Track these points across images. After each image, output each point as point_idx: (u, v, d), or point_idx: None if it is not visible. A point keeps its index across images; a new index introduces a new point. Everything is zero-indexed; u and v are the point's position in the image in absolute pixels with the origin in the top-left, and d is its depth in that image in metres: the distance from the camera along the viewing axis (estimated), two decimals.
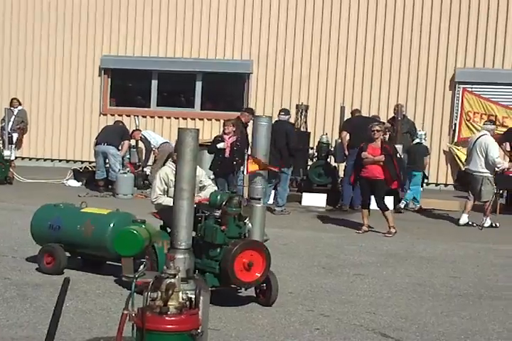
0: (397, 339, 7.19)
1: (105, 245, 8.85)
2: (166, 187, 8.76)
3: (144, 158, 18.51)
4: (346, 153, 16.04)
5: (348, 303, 8.37)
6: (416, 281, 9.73)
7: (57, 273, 8.98)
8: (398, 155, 14.38)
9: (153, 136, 18.46)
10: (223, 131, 14.72)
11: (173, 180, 8.45)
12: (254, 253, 7.92)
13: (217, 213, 8.08)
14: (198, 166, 9.05)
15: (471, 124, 19.96)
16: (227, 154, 14.41)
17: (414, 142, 16.97)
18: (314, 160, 17.43)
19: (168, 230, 8.04)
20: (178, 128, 4.88)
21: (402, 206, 16.27)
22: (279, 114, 16.08)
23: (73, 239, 9.15)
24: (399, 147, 16.51)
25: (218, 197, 8.07)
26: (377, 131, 13.31)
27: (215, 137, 15.28)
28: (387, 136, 16.15)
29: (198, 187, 8.69)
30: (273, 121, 16.24)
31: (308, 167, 17.30)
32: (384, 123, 14.96)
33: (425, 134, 17.46)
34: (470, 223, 14.63)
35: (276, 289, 8.15)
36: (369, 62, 20.39)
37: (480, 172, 14.47)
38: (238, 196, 8.09)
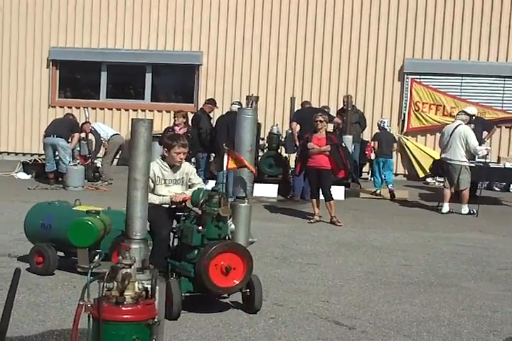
0: (351, 326, 7.26)
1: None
2: (151, 184, 8.03)
3: (94, 150, 18.38)
4: (297, 143, 16.13)
5: (301, 292, 8.42)
6: (368, 270, 9.83)
7: (47, 273, 8.67)
8: (344, 145, 14.53)
9: (103, 128, 18.30)
10: (174, 122, 14.70)
11: (161, 177, 8.17)
12: (235, 257, 7.32)
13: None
14: (188, 163, 8.57)
15: (420, 114, 20.19)
16: None
17: (379, 130, 17.38)
18: (265, 151, 17.49)
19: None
20: (132, 119, 4.87)
21: (378, 192, 17.02)
22: (232, 104, 16.19)
23: (65, 238, 8.54)
24: (349, 137, 16.70)
25: (200, 195, 7.54)
26: (321, 121, 13.43)
27: (166, 128, 15.26)
28: (340, 122, 16.44)
29: (186, 185, 8.34)
30: (224, 112, 16.56)
31: (259, 158, 17.36)
32: (327, 113, 15.06)
33: (388, 121, 17.82)
34: (452, 211, 14.95)
35: (260, 296, 7.54)
36: (319, 53, 20.48)
37: (459, 161, 14.86)
38: (219, 194, 7.41)
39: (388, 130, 17.57)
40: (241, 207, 7.71)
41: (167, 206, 8.09)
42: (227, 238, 7.49)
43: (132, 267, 4.05)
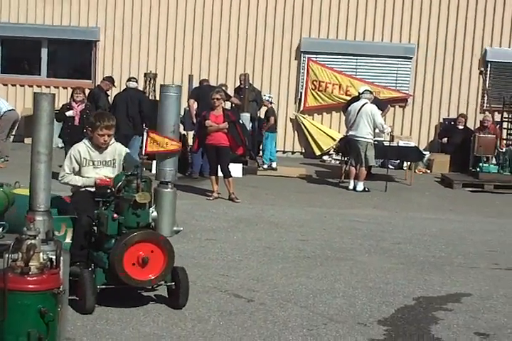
0: (249, 299, 7.42)
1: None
2: (76, 166, 7.48)
3: None
4: (194, 121, 16.19)
5: (200, 267, 8.54)
6: (266, 245, 10.01)
7: None
8: (241, 122, 14.68)
9: None
10: (72, 98, 14.53)
11: (88, 158, 7.50)
12: (154, 247, 6.73)
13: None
14: (119, 144, 7.76)
15: (317, 93, 20.48)
16: (76, 122, 14.29)
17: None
18: None
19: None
20: (34, 93, 4.89)
21: (266, 166, 17.60)
22: (129, 80, 16.10)
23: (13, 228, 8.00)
24: (246, 115, 16.86)
25: (122, 179, 6.86)
26: (218, 99, 13.52)
27: (63, 105, 15.08)
28: (239, 103, 16.64)
29: (120, 168, 7.56)
30: (121, 90, 16.48)
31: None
32: (223, 90, 15.19)
33: (270, 97, 18.23)
34: (367, 189, 15.33)
35: (186, 289, 7.00)
36: (216, 30, 20.52)
37: (365, 138, 15.30)
38: (138, 178, 6.74)
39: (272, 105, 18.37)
40: (164, 192, 7.23)
41: (92, 190, 7.43)
42: (149, 226, 6.94)
43: (37, 238, 4.10)
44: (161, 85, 7.42)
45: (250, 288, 7.84)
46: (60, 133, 14.48)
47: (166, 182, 7.26)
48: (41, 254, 4.13)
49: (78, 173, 7.55)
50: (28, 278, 4.05)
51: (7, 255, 4.06)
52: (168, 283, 6.99)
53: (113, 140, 7.69)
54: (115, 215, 6.72)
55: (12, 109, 17.46)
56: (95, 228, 7.02)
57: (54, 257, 4.23)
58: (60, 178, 7.55)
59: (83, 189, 7.48)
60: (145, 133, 6.90)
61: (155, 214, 6.91)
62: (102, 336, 6.12)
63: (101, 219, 6.86)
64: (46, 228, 4.73)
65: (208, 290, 7.61)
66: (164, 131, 7.17)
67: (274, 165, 17.86)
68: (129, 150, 7.87)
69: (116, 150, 7.67)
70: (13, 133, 18.09)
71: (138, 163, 7.13)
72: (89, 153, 7.56)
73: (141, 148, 15.30)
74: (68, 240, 7.06)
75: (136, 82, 16.35)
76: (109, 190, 7.05)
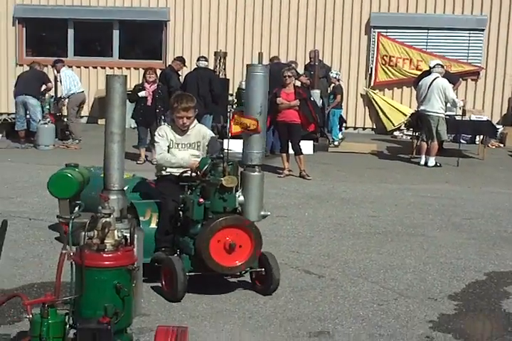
0: (320, 275, 7.51)
1: None
2: (166, 147, 7.38)
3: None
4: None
5: (272, 244, 8.61)
6: (337, 221, 10.08)
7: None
8: (312, 99, 14.70)
9: (68, 81, 17.73)
10: (144, 79, 14.71)
11: (174, 140, 7.37)
12: (241, 232, 6.56)
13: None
14: (204, 126, 7.70)
15: (387, 68, 20.37)
16: (149, 102, 14.48)
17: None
18: (234, 106, 17.61)
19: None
20: (106, 75, 5.02)
21: (337, 143, 17.68)
22: (199, 60, 16.22)
23: (89, 208, 7.87)
24: (317, 92, 16.87)
25: (208, 162, 6.68)
26: (289, 76, 13.56)
27: (136, 85, 15.29)
28: (308, 82, 16.58)
29: (204, 151, 7.45)
30: (192, 69, 16.64)
31: (229, 113, 17.51)
32: (294, 68, 15.19)
33: (338, 73, 18.13)
34: (438, 164, 15.29)
35: (277, 274, 6.79)
36: (285, 8, 20.53)
37: (437, 112, 15.23)
38: (225, 162, 6.58)
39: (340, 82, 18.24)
40: (251, 176, 6.83)
41: (177, 174, 7.25)
42: (236, 211, 6.75)
43: (111, 216, 4.24)
44: (247, 65, 7.14)
45: (321, 264, 7.93)
46: (133, 113, 14.68)
47: (253, 166, 6.84)
48: (116, 232, 4.27)
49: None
50: (104, 255, 4.20)
51: (83, 233, 4.22)
52: (258, 269, 6.82)
53: (195, 122, 7.52)
54: (201, 200, 6.56)
55: (81, 91, 17.64)
56: (181, 213, 6.87)
57: (128, 235, 4.38)
58: (157, 157, 7.41)
59: (168, 173, 7.36)
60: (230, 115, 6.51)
61: (242, 198, 6.72)
62: (176, 312, 6.27)
63: (186, 204, 6.69)
64: (120, 206, 4.87)
65: (279, 267, 7.71)
66: (251, 112, 6.75)
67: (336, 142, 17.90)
68: (213, 134, 7.71)
69: (201, 132, 7.51)
70: (81, 114, 18.37)
71: (220, 148, 7.04)
72: (174, 135, 7.41)
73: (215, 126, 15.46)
74: (153, 225, 7.02)
75: (207, 60, 16.48)
76: (193, 174, 6.93)
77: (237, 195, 6.67)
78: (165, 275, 6.64)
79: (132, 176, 8.06)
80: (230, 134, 6.72)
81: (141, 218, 7.04)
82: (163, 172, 7.40)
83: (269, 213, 7.15)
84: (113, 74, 4.96)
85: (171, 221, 6.94)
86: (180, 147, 7.42)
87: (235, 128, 6.75)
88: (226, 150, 6.64)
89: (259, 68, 6.89)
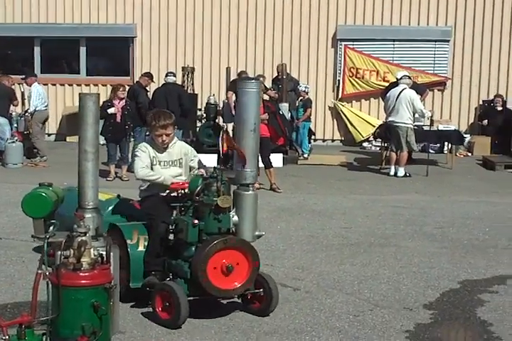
0: (295, 288, 7.53)
1: None
2: (148, 162, 7.09)
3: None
4: (233, 113, 16.32)
5: None
6: (309, 233, 10.11)
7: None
8: (281, 112, 14.77)
9: (37, 97, 17.15)
10: (115, 95, 14.64)
11: (156, 157, 7.08)
12: (237, 254, 6.39)
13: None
14: (184, 143, 7.42)
15: (355, 80, 20.49)
16: (118, 119, 14.47)
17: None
18: (203, 121, 17.64)
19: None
20: (79, 94, 5.03)
21: (306, 156, 17.71)
22: (167, 75, 16.26)
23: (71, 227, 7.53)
24: (285, 105, 16.95)
25: (199, 182, 6.48)
26: None
27: (104, 102, 15.24)
28: (276, 96, 16.63)
29: (187, 167, 7.27)
30: (160, 85, 16.65)
31: (198, 128, 17.53)
32: (262, 82, 15.26)
33: (307, 87, 18.15)
34: (408, 174, 15.40)
35: (277, 296, 6.63)
36: (252, 22, 20.60)
37: (406, 123, 15.38)
38: (218, 181, 6.37)
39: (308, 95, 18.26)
40: (245, 195, 6.60)
41: (164, 194, 7.03)
42: (230, 232, 6.56)
43: (87, 235, 4.24)
44: (238, 80, 6.85)
45: (296, 276, 7.95)
46: (102, 130, 14.62)
47: (247, 184, 6.62)
48: (92, 250, 4.27)
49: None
50: (81, 274, 4.20)
51: (59, 252, 4.22)
52: (256, 290, 6.62)
53: (176, 139, 7.34)
54: (195, 221, 6.34)
55: (46, 108, 17.42)
56: (171, 235, 6.64)
57: (104, 253, 4.37)
58: (139, 172, 7.04)
59: (154, 193, 7.05)
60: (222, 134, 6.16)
61: (236, 218, 6.53)
62: (152, 328, 6.25)
63: (179, 225, 6.46)
64: (95, 225, 4.87)
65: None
66: (244, 130, 6.51)
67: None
68: (194, 151, 7.51)
69: (182, 149, 7.30)
70: (47, 131, 18.17)
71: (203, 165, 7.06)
72: (155, 152, 7.15)
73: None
74: (141, 248, 6.75)
75: (175, 76, 16.55)
76: (181, 192, 6.78)
77: (231, 215, 6.48)
78: (161, 301, 6.38)
79: (116, 197, 7.80)
80: (222, 152, 6.48)
81: (128, 241, 6.78)
82: (148, 193, 7.12)
83: (263, 233, 6.91)
84: (86, 93, 4.97)
85: (162, 243, 6.68)
86: (162, 165, 7.14)
87: (225, 146, 6.43)
88: (219, 169, 6.48)
89: (252, 84, 6.60)
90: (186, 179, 7.06)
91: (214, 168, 6.56)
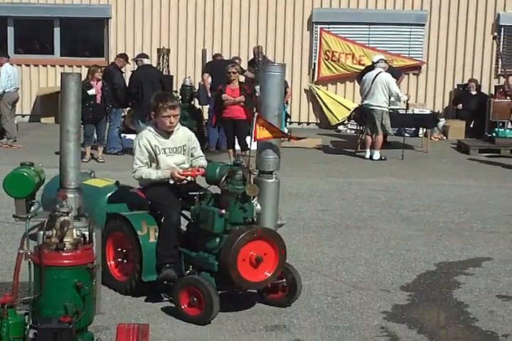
0: None
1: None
2: (149, 157, 6.73)
3: None
4: (209, 95, 16.30)
5: None
6: (286, 216, 9.99)
7: None
8: (257, 94, 14.74)
9: (5, 78, 16.73)
10: (92, 76, 14.52)
11: (159, 146, 6.71)
12: (265, 245, 6.12)
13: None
14: (186, 128, 7.03)
15: (330, 63, 20.48)
16: (98, 100, 14.39)
17: None
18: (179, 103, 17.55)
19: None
20: (61, 73, 4.99)
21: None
22: (141, 57, 16.08)
23: None
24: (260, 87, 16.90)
25: (217, 170, 6.25)
26: (234, 72, 13.62)
27: (82, 83, 15.11)
28: (253, 75, 16.60)
29: (189, 154, 6.94)
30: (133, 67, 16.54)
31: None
32: (238, 64, 15.26)
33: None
34: (383, 158, 15.46)
35: (301, 284, 6.48)
36: (228, 4, 20.50)
37: (381, 106, 15.44)
38: (243, 169, 6.17)
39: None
40: (268, 183, 6.33)
41: (172, 182, 6.71)
42: (253, 221, 6.30)
43: (69, 215, 4.22)
44: (263, 63, 6.58)
45: None
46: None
47: (270, 172, 6.36)
48: (74, 230, 4.26)
49: (156, 163, 6.76)
50: (63, 254, 4.18)
51: (42, 232, 4.20)
52: (279, 281, 6.38)
53: (179, 124, 6.94)
54: (223, 211, 6.05)
55: (16, 90, 17.16)
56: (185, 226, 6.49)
57: (87, 233, 4.36)
58: (132, 174, 6.75)
59: (155, 183, 6.73)
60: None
61: (259, 207, 6.24)
62: (131, 309, 6.27)
63: (202, 215, 6.17)
64: (78, 205, 4.85)
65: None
66: (268, 115, 6.25)
67: None
68: (197, 140, 7.13)
69: (186, 134, 6.97)
70: (16, 112, 17.92)
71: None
72: (158, 140, 6.77)
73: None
74: (153, 240, 6.43)
75: (148, 58, 16.43)
76: (188, 180, 6.62)
77: (254, 204, 6.20)
78: (188, 296, 6.07)
79: (115, 183, 7.56)
80: (254, 140, 6.20)
81: (138, 232, 6.45)
82: (152, 181, 6.73)
83: (285, 222, 6.77)
84: (67, 73, 4.94)
85: (177, 234, 6.42)
86: (168, 152, 6.77)
87: (262, 134, 6.18)
88: (248, 156, 6.26)
89: (275, 67, 6.41)
90: (189, 167, 6.80)
91: (238, 154, 6.27)
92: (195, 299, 6.00)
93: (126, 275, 6.68)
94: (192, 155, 6.97)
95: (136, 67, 16.15)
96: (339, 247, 8.55)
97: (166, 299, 6.47)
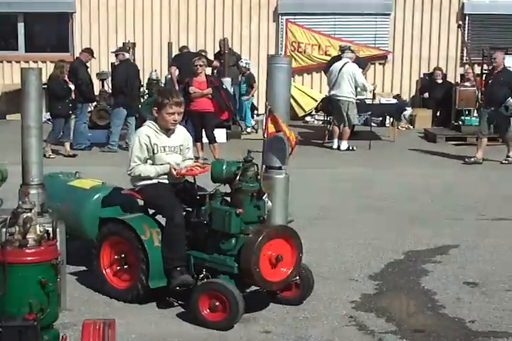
0: None
1: (81, 226, 6.84)
2: (148, 155, 6.45)
3: None
4: (176, 87, 16.25)
5: None
6: None
7: None
8: (224, 87, 14.73)
9: None
10: (63, 72, 14.42)
11: (158, 143, 6.45)
12: (283, 243, 5.96)
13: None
14: (182, 127, 6.77)
15: (296, 55, 20.48)
16: (73, 95, 14.39)
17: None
18: (145, 97, 17.49)
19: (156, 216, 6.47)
20: (21, 68, 4.97)
21: (249, 130, 17.65)
22: (124, 52, 15.86)
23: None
24: (227, 80, 16.88)
25: (224, 167, 6.01)
26: (201, 65, 13.58)
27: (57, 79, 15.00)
28: (218, 64, 16.64)
29: (183, 155, 6.66)
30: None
31: (140, 105, 17.40)
32: (205, 56, 15.23)
33: (247, 62, 18.06)
34: (351, 148, 15.50)
35: (313, 282, 6.38)
36: None
37: (347, 97, 15.48)
38: (254, 165, 5.97)
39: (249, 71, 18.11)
40: (278, 179, 6.18)
41: (167, 182, 6.49)
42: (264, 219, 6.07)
43: (32, 211, 4.19)
44: (270, 56, 6.50)
45: None
46: (50, 106, 14.51)
47: (279, 168, 6.23)
48: (38, 227, 4.22)
49: (152, 162, 6.50)
50: (27, 251, 4.14)
51: (4, 229, 4.16)
52: (294, 279, 6.20)
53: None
54: (240, 210, 5.79)
55: None
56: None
57: (50, 229, 4.33)
58: (128, 171, 6.46)
59: (156, 181, 6.48)
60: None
61: (270, 204, 6.03)
62: (99, 305, 6.25)
63: (216, 215, 5.92)
64: (41, 201, 4.82)
65: None
66: (276, 108, 6.17)
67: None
68: (191, 140, 6.93)
69: (184, 134, 6.75)
70: None
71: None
72: (158, 137, 6.51)
73: None
74: (157, 244, 6.13)
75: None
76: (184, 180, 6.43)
77: (266, 201, 5.99)
78: (208, 301, 5.82)
79: (102, 184, 7.27)
80: (266, 135, 6.06)
81: (142, 237, 6.11)
82: (149, 181, 6.47)
83: (294, 219, 6.65)
84: (28, 67, 4.91)
85: (183, 236, 6.14)
86: (167, 150, 6.51)
87: (271, 128, 6.07)
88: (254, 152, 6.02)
89: (284, 60, 6.26)
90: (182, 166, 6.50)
91: (248, 150, 6.06)
92: (216, 304, 5.78)
93: (126, 282, 6.35)
94: (185, 157, 6.70)
95: (116, 60, 15.99)
96: (307, 238, 8.47)
97: (176, 305, 6.28)
